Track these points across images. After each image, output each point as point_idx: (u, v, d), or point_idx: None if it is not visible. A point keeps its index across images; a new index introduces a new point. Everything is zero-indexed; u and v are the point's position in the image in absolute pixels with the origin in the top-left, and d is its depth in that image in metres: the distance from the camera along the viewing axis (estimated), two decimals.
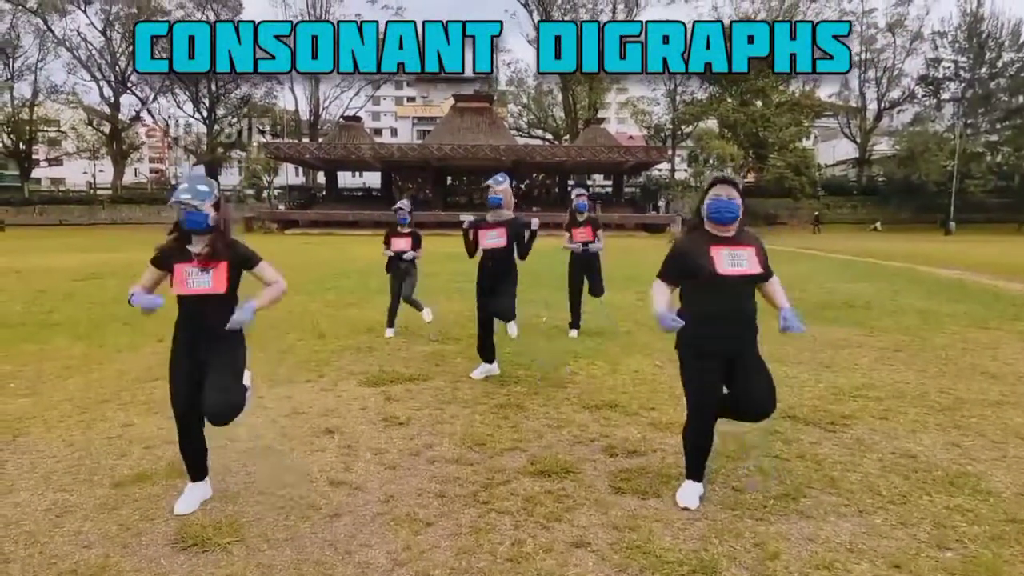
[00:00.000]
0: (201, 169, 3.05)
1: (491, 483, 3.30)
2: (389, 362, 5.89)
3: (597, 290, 7.33)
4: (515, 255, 5.20)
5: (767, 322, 3.09)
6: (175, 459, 3.58)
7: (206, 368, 2.84)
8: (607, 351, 6.39)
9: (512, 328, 5.42)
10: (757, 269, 2.94)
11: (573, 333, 7.17)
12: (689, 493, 3.08)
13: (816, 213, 41.08)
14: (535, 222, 5.28)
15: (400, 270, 7.12)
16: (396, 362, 5.90)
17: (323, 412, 4.44)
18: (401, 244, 7.08)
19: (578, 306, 7.29)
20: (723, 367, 3.00)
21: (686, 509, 3.00)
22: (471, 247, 5.29)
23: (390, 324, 7.22)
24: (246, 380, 3.04)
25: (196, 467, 3.06)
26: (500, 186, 5.09)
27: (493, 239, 5.11)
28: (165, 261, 2.85)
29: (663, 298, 3.05)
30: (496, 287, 5.17)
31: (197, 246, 2.82)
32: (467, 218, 5.30)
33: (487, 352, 5.37)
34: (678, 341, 3.08)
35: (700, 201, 3.06)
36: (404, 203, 7.22)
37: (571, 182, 47.66)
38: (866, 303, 9.57)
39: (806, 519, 2.90)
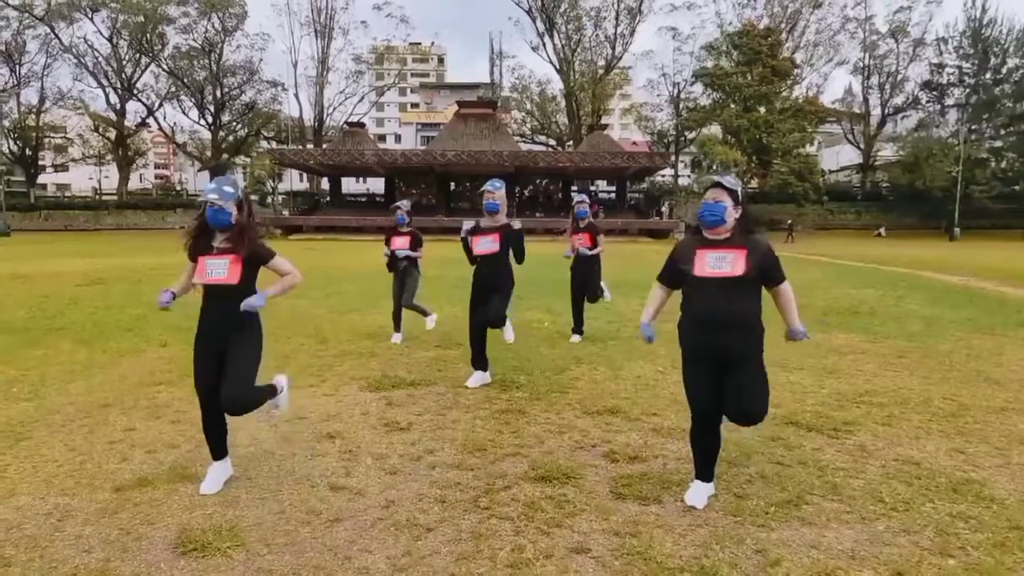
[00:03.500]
0: (229, 174, 3.33)
1: (492, 489, 3.29)
2: (391, 367, 5.89)
3: (591, 291, 7.31)
4: (510, 261, 5.20)
5: (769, 329, 3.08)
6: (176, 463, 3.60)
7: (226, 356, 3.09)
8: (609, 356, 6.38)
9: (508, 333, 5.38)
10: (738, 271, 2.90)
11: (576, 338, 7.16)
12: (697, 493, 3.11)
13: (789, 220, 39.77)
14: (516, 223, 5.25)
15: (400, 271, 7.09)
16: (398, 367, 5.90)
17: (324, 417, 4.44)
18: (399, 243, 7.07)
19: (581, 312, 7.29)
20: (717, 370, 3.00)
21: (693, 508, 3.02)
22: (470, 254, 5.28)
23: (396, 329, 7.16)
24: (281, 383, 3.37)
25: (217, 447, 3.31)
26: (498, 191, 5.10)
27: (488, 245, 5.10)
28: (193, 254, 3.17)
29: (653, 305, 3.26)
30: (490, 294, 5.15)
31: (218, 240, 3.12)
32: (467, 225, 5.28)
33: (480, 361, 5.35)
34: (680, 344, 3.14)
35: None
36: (403, 203, 7.20)
37: (574, 188, 47.73)
38: (870, 309, 9.54)
39: (808, 526, 2.89)
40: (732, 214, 2.96)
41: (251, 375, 3.13)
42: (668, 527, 2.88)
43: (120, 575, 2.50)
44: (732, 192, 2.95)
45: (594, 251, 7.14)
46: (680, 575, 2.48)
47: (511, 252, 5.17)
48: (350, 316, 8.83)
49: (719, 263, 2.93)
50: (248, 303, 3.03)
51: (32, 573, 2.50)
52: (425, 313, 7.26)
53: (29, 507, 3.07)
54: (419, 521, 2.94)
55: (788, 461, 3.61)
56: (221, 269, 3.05)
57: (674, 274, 3.14)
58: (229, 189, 3.04)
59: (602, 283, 7.42)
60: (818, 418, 4.38)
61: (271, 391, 3.38)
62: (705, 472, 3.16)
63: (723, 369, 2.99)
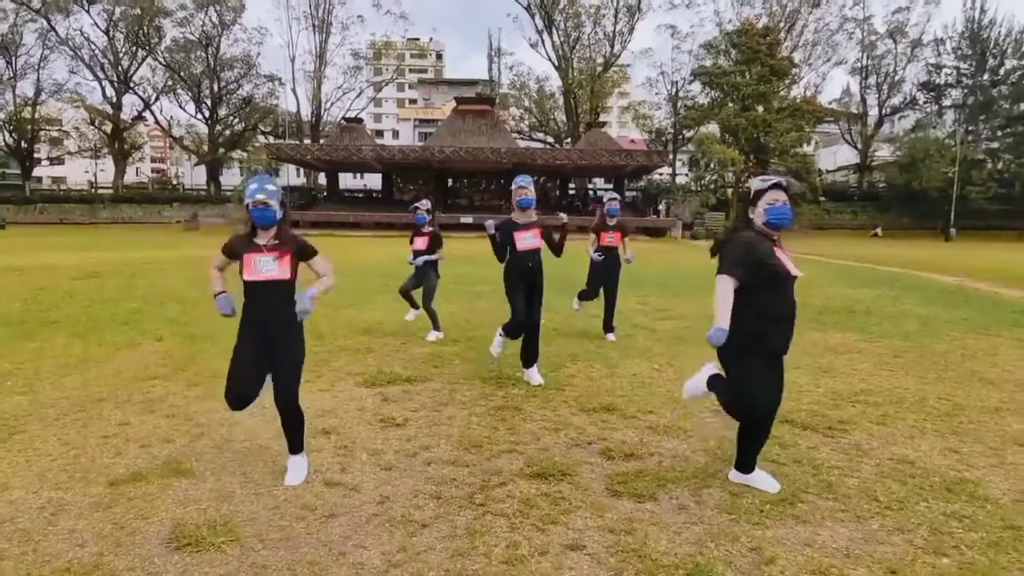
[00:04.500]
0: (267, 176, 3.33)
1: (487, 485, 3.29)
2: (387, 363, 5.88)
3: (608, 317, 7.24)
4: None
5: None
6: (171, 458, 3.59)
7: (274, 355, 3.18)
8: (606, 354, 6.38)
9: (535, 375, 5.32)
10: (800, 272, 3.08)
11: (576, 304, 7.41)
12: (762, 478, 3.29)
13: None
14: (563, 216, 5.43)
15: (418, 270, 6.98)
16: (394, 363, 5.89)
17: (320, 412, 4.43)
18: (419, 244, 6.96)
19: (593, 297, 7.31)
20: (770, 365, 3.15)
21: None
22: (500, 250, 5.22)
23: (412, 306, 7.21)
24: (300, 466, 3.40)
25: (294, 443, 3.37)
26: (531, 187, 5.12)
27: (531, 240, 5.12)
28: (235, 250, 3.20)
29: (728, 305, 2.97)
30: (536, 290, 5.19)
31: (263, 239, 3.16)
32: (491, 223, 5.21)
33: (532, 357, 5.31)
34: (731, 342, 2.98)
35: (750, 203, 3.08)
36: (422, 202, 7.02)
37: (572, 186, 47.72)
38: (866, 309, 9.56)
39: (803, 524, 2.90)
40: None
41: (299, 378, 3.29)
42: (663, 524, 2.88)
43: (114, 569, 2.49)
44: (787, 191, 3.07)
45: (630, 255, 7.19)
46: (675, 572, 2.49)
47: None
48: (346, 311, 8.81)
49: (790, 264, 3.07)
50: (301, 311, 3.12)
51: (25, 567, 2.49)
52: (436, 326, 7.05)
53: (22, 501, 3.05)
54: (414, 517, 2.94)
55: (783, 459, 3.62)
56: (271, 266, 3.11)
57: (753, 264, 2.96)
58: (272, 187, 3.12)
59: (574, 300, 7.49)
60: (813, 417, 4.39)
61: (301, 441, 3.42)
62: (753, 462, 3.29)
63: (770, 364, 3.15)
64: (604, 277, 7.17)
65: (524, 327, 5.21)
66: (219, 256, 3.31)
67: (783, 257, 3.07)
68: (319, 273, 3.33)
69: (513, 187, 5.13)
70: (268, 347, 3.17)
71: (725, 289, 2.98)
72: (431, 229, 6.99)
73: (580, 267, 7.54)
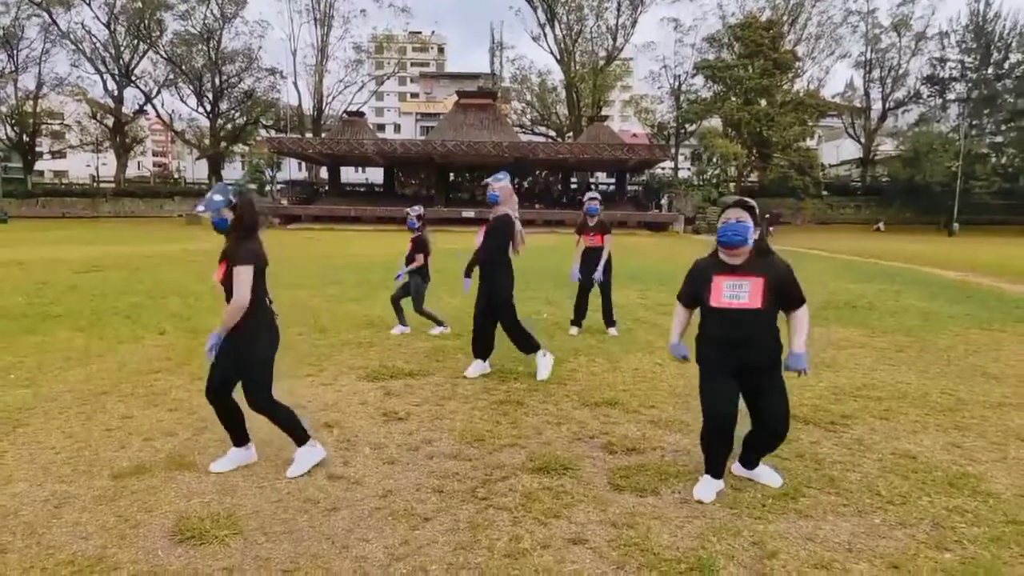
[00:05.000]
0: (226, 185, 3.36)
1: (489, 479, 3.29)
2: (389, 357, 5.89)
3: (607, 313, 7.19)
4: (496, 253, 5.12)
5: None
6: (174, 451, 3.60)
7: (230, 361, 3.24)
8: (608, 348, 6.38)
9: (543, 369, 5.27)
10: (755, 304, 2.88)
11: (574, 331, 7.14)
12: (705, 487, 3.12)
13: (767, 214, 38.36)
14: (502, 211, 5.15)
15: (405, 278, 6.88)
16: (396, 357, 5.89)
17: (322, 406, 4.44)
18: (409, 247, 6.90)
19: (584, 306, 7.19)
20: (735, 381, 3.02)
21: (700, 502, 3.03)
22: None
23: (400, 320, 6.98)
24: (310, 453, 3.42)
25: (234, 434, 3.43)
26: (499, 183, 5.07)
27: (480, 237, 5.16)
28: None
29: (678, 325, 3.22)
30: (487, 288, 5.16)
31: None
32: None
33: (481, 350, 5.32)
34: (696, 355, 3.11)
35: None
36: (413, 208, 6.97)
37: (574, 180, 47.66)
38: (868, 303, 9.55)
39: (805, 518, 2.90)
40: (753, 235, 2.90)
41: (255, 382, 3.28)
42: (665, 519, 2.89)
43: (117, 562, 2.50)
44: (752, 211, 2.90)
45: (598, 276, 7.01)
46: (677, 566, 2.49)
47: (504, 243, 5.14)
48: (348, 306, 8.82)
49: (736, 291, 2.90)
50: (210, 343, 3.18)
51: (29, 559, 2.50)
52: (438, 322, 7.01)
53: (26, 494, 3.06)
54: (417, 511, 2.94)
55: (785, 454, 3.61)
56: (217, 270, 3.17)
57: (692, 296, 3.12)
58: (218, 198, 3.13)
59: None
60: (816, 411, 4.39)
61: (301, 434, 3.41)
62: (715, 469, 3.16)
63: (745, 381, 3.02)
64: (590, 270, 7.08)
65: (476, 325, 5.24)
66: None
67: (725, 285, 2.91)
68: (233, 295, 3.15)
69: (485, 182, 5.14)
70: (225, 349, 3.20)
71: (676, 311, 3.26)
72: (416, 235, 6.87)
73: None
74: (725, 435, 3.06)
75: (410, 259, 6.81)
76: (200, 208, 3.14)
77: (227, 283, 3.13)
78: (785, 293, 2.94)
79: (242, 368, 3.27)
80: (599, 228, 7.04)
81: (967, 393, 4.91)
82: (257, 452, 3.58)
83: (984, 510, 2.97)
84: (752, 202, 2.95)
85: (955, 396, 4.83)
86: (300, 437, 3.40)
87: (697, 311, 3.15)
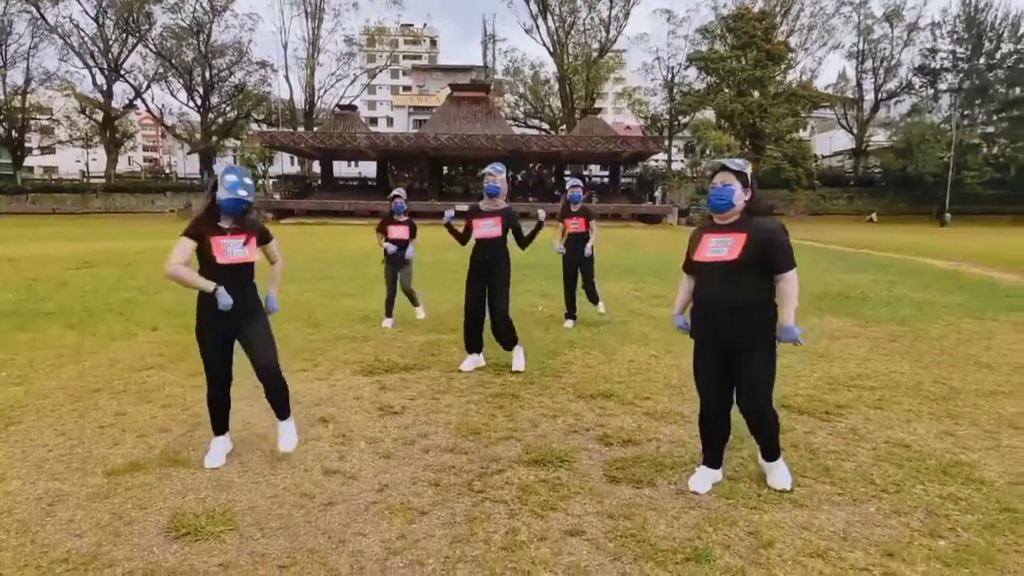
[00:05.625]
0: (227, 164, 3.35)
1: (486, 472, 3.29)
2: (384, 351, 5.87)
3: (586, 278, 7.32)
4: (506, 244, 5.17)
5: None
6: (168, 448, 3.58)
7: (242, 330, 3.28)
8: (603, 341, 6.38)
9: (518, 361, 5.28)
10: (732, 256, 2.87)
11: (569, 324, 7.15)
12: (700, 478, 3.13)
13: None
14: (542, 214, 5.35)
15: (397, 258, 7.08)
16: (391, 351, 5.88)
17: (317, 401, 4.43)
18: (398, 232, 7.07)
19: (573, 296, 7.28)
20: (722, 358, 3.00)
21: (695, 493, 3.04)
22: (461, 237, 5.31)
23: (388, 314, 7.18)
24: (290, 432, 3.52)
25: (221, 422, 3.46)
26: (499, 175, 5.06)
27: (489, 228, 5.09)
28: (199, 233, 3.17)
29: (681, 295, 3.21)
30: (492, 279, 5.13)
31: (226, 223, 3.22)
32: (448, 212, 5.31)
33: (474, 344, 5.32)
34: (691, 330, 3.16)
35: None
36: (400, 191, 7.19)
37: (567, 172, 47.55)
38: (861, 294, 9.59)
39: (800, 508, 2.91)
40: (741, 197, 2.90)
41: (275, 345, 3.40)
42: (661, 510, 2.89)
43: (112, 559, 2.49)
44: (740, 175, 2.90)
45: (588, 251, 7.09)
46: (673, 557, 2.50)
47: (512, 237, 5.18)
48: (343, 300, 8.79)
49: (719, 247, 2.91)
50: (271, 307, 3.41)
51: (23, 558, 2.49)
52: (415, 302, 7.39)
53: (19, 492, 3.04)
54: (413, 504, 2.94)
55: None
56: (240, 248, 3.20)
57: (687, 258, 3.15)
58: (250, 181, 3.24)
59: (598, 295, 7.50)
60: (810, 401, 4.41)
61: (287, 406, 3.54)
62: (711, 458, 3.18)
63: (730, 358, 2.98)
64: (574, 263, 7.20)
65: (471, 313, 5.21)
66: (183, 249, 3.11)
67: (711, 241, 2.94)
68: (272, 260, 3.46)
69: (481, 173, 5.11)
70: (235, 327, 3.26)
71: (681, 282, 3.23)
72: (407, 218, 7.14)
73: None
74: (715, 417, 3.09)
75: (408, 241, 7.06)
76: (245, 194, 3.18)
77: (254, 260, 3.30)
78: (767, 254, 2.84)
79: (270, 329, 3.38)
80: (582, 213, 7.16)
81: (960, 382, 4.94)
82: (251, 447, 3.57)
83: (977, 498, 2.99)
84: (739, 164, 2.94)
85: (948, 385, 4.86)
86: (288, 409, 3.50)
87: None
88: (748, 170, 2.94)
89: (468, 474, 3.27)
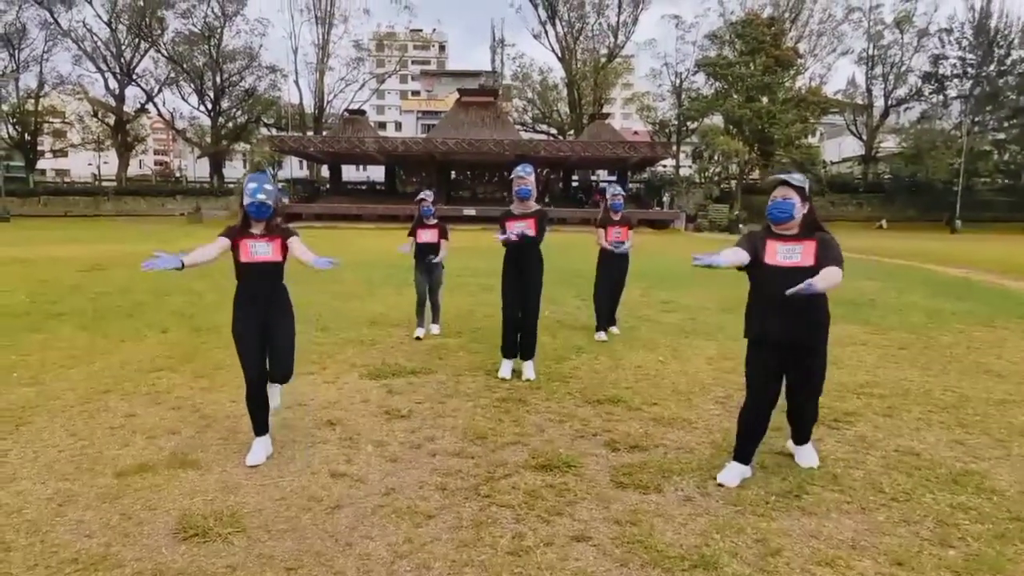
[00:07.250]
0: (266, 175, 3.65)
1: (492, 477, 3.29)
2: (391, 355, 5.89)
3: (614, 310, 7.11)
4: (539, 247, 5.15)
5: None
6: (177, 449, 3.60)
7: (271, 326, 3.46)
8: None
9: (529, 371, 5.25)
10: (809, 261, 3.01)
11: (602, 335, 6.75)
12: (730, 473, 3.23)
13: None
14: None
15: (427, 264, 6.80)
16: (398, 355, 5.90)
17: (325, 404, 4.45)
18: (427, 236, 6.78)
19: (609, 307, 6.99)
20: (782, 357, 3.14)
21: (721, 485, 3.14)
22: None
23: (420, 323, 6.83)
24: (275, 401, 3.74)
25: (261, 421, 3.55)
26: (529, 177, 5.06)
27: (523, 230, 5.05)
28: (232, 234, 3.43)
29: (729, 254, 3.10)
30: (528, 279, 5.12)
31: (257, 228, 3.47)
32: (505, 236, 5.09)
33: (515, 347, 5.26)
34: (745, 329, 3.26)
35: None
36: (427, 194, 6.83)
37: (575, 178, 47.58)
38: (871, 301, 9.53)
39: (808, 515, 2.89)
40: (800, 210, 3.06)
41: (294, 347, 3.61)
42: (668, 516, 2.88)
43: (121, 560, 2.50)
44: (799, 189, 3.05)
45: (626, 247, 6.81)
46: (681, 563, 2.49)
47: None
48: (351, 304, 8.82)
49: (790, 254, 3.06)
50: (325, 262, 3.45)
51: (33, 558, 2.51)
52: (436, 319, 7.03)
53: (30, 492, 3.07)
54: (420, 508, 2.94)
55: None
56: (266, 249, 3.43)
57: (750, 245, 3.15)
58: (270, 187, 3.48)
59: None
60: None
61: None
62: (743, 454, 3.27)
63: (791, 356, 3.14)
64: (614, 272, 6.94)
65: (509, 320, 5.19)
66: (213, 243, 3.37)
67: (779, 248, 3.09)
68: (301, 257, 3.53)
69: (512, 176, 5.11)
70: (264, 321, 3.45)
71: (733, 248, 3.20)
72: (436, 222, 6.84)
73: (581, 259, 7.50)
74: (761, 412, 3.21)
75: (437, 246, 6.77)
76: (264, 198, 3.42)
77: (283, 261, 3.49)
78: (826, 256, 3.03)
79: (293, 331, 3.57)
80: (625, 222, 6.94)
81: (970, 390, 4.90)
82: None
83: (988, 507, 2.97)
84: (798, 179, 3.08)
85: (958, 393, 4.82)
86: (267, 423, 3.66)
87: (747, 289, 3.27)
88: (806, 185, 3.08)
89: (475, 478, 3.27)
